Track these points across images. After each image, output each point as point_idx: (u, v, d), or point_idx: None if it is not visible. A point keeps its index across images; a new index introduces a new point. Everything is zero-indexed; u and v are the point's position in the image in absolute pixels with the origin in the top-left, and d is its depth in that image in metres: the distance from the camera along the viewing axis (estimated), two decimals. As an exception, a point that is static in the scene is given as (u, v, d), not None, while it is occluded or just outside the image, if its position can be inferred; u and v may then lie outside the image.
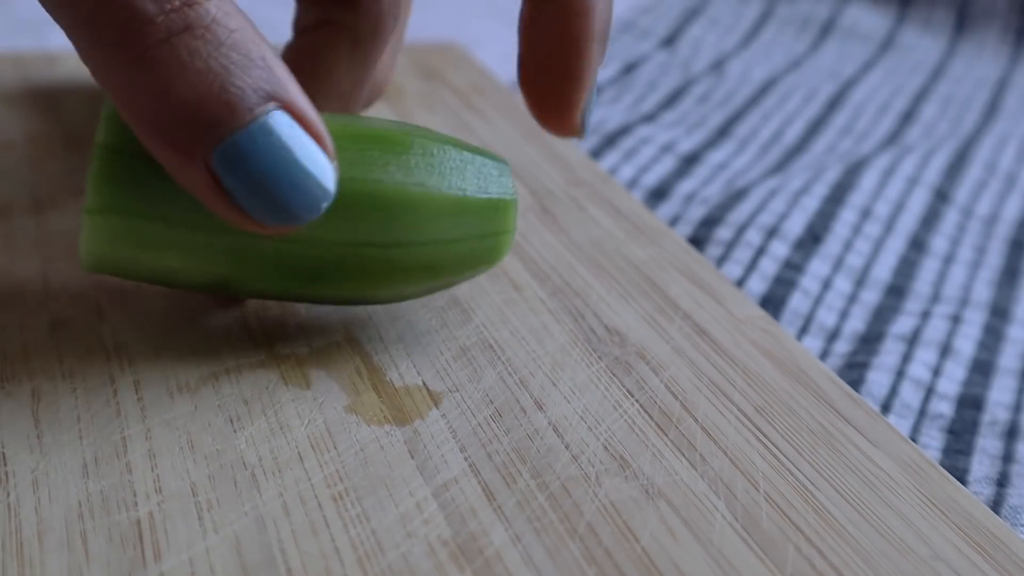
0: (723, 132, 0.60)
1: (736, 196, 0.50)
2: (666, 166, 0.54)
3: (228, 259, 0.31)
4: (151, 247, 0.31)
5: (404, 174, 0.31)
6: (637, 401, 0.32)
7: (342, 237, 0.31)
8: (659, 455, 0.30)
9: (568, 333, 0.35)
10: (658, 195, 0.52)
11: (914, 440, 0.37)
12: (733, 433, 0.31)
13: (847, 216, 0.50)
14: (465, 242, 0.32)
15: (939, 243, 0.50)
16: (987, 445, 0.37)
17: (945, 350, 0.41)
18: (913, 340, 0.41)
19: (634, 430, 0.31)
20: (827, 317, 0.43)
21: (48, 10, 0.28)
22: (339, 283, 0.32)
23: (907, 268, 0.47)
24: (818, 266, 0.46)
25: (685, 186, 0.53)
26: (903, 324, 0.43)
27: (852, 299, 0.44)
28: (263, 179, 0.28)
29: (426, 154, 0.32)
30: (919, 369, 0.40)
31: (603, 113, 0.60)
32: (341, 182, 0.30)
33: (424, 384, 0.33)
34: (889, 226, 0.50)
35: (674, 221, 0.49)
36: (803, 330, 0.42)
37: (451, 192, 0.32)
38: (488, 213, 0.33)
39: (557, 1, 0.34)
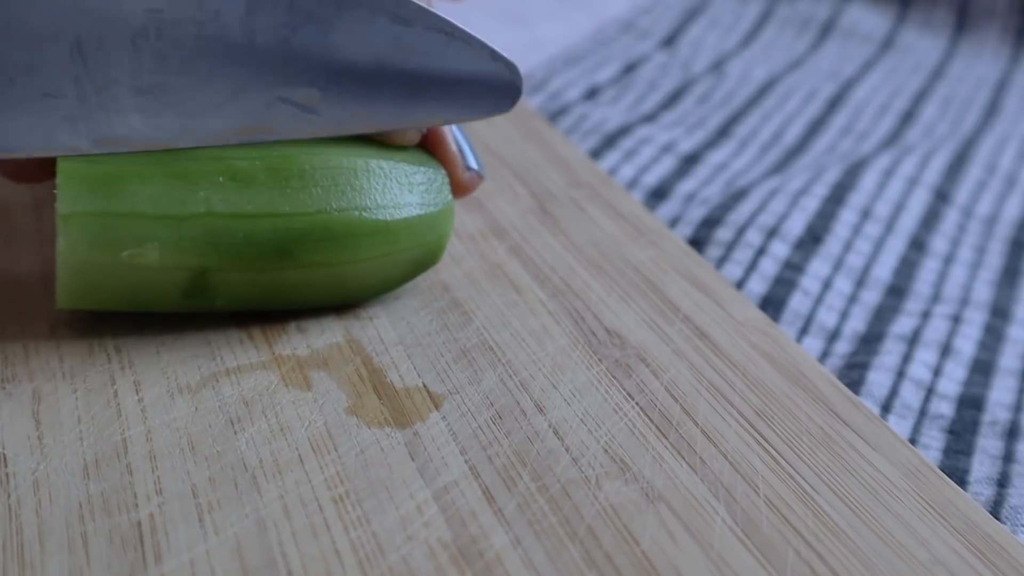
0: (723, 132, 0.60)
1: (736, 196, 0.50)
2: (666, 166, 0.54)
3: (201, 246, 0.33)
4: (127, 243, 0.32)
5: (351, 148, 0.35)
6: (637, 404, 0.32)
7: (302, 207, 0.34)
8: (659, 458, 0.30)
9: (568, 335, 0.35)
10: (658, 195, 0.52)
11: (914, 440, 0.37)
12: (733, 436, 0.31)
13: (847, 216, 0.50)
14: (414, 207, 0.35)
15: (939, 243, 0.50)
16: (988, 445, 0.37)
17: (945, 350, 0.41)
18: (913, 340, 0.41)
19: (634, 433, 0.31)
20: (827, 317, 0.43)
21: None
22: (307, 254, 0.34)
23: (907, 268, 0.48)
24: (818, 266, 0.46)
25: (685, 186, 0.53)
26: (903, 324, 0.43)
27: (852, 299, 0.44)
28: None
29: (366, 142, 0.35)
30: (919, 369, 0.40)
31: (603, 113, 0.60)
32: (292, 157, 0.34)
33: (425, 386, 0.33)
34: (889, 226, 0.50)
35: (674, 221, 0.49)
36: (803, 330, 0.42)
37: (398, 159, 0.35)
38: (431, 185, 0.36)
39: None
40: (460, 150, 0.37)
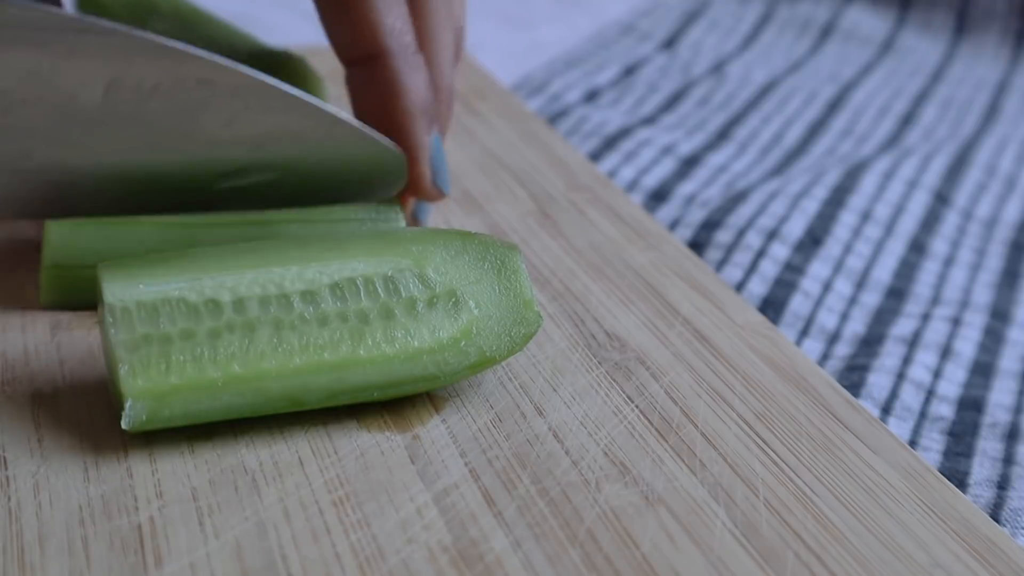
0: (723, 134, 0.60)
1: (736, 199, 0.50)
2: (666, 168, 0.55)
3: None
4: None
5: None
6: (637, 407, 0.32)
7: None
8: (659, 461, 0.30)
9: (568, 338, 0.35)
10: (658, 197, 0.52)
11: (915, 442, 0.37)
12: (733, 439, 0.31)
13: (847, 219, 0.50)
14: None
15: (939, 245, 0.50)
16: (988, 447, 0.37)
17: (945, 352, 0.41)
18: (913, 342, 0.41)
19: (634, 436, 0.31)
20: (827, 319, 0.43)
21: None
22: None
23: (907, 270, 0.48)
24: (818, 268, 0.46)
25: (685, 188, 0.53)
26: (903, 326, 0.43)
27: (852, 301, 0.44)
28: None
29: None
30: (919, 371, 0.40)
31: (603, 115, 0.60)
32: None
33: (424, 389, 0.33)
34: (889, 228, 0.50)
35: (674, 224, 0.49)
36: (803, 332, 0.42)
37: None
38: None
39: (373, 86, 0.38)
40: (434, 164, 0.39)
